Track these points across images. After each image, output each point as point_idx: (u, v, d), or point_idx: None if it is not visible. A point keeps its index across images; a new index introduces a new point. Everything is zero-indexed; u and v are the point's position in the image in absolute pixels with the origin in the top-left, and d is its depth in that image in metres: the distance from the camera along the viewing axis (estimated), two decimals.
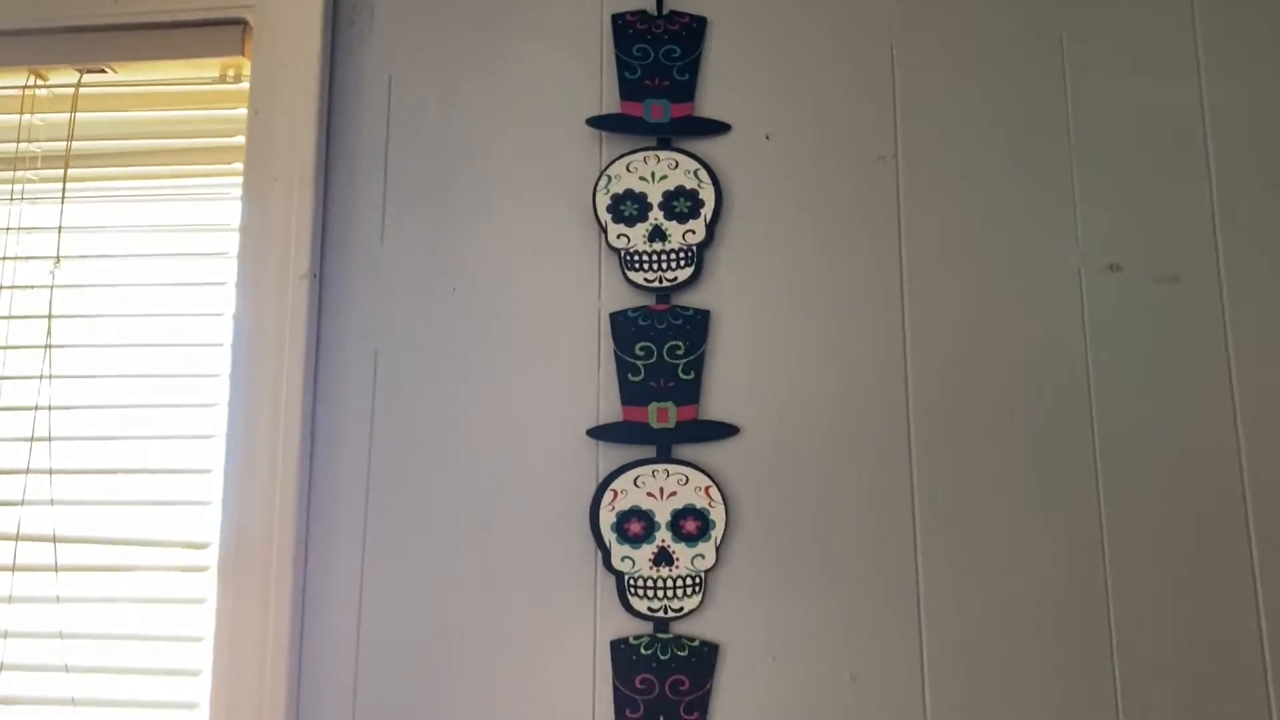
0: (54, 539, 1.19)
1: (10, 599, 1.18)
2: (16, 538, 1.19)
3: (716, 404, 1.13)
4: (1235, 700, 1.03)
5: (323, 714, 1.11)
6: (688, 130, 1.18)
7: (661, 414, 1.13)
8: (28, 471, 1.20)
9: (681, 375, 1.13)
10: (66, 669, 1.16)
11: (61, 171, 1.26)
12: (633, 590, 1.09)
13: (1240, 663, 1.04)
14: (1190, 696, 1.03)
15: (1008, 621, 1.06)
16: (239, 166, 1.22)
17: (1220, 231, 1.12)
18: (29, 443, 1.20)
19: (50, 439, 1.20)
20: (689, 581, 1.09)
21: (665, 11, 1.22)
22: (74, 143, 1.26)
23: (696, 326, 1.14)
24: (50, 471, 1.20)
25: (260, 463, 1.14)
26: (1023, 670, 1.05)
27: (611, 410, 1.14)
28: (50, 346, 1.22)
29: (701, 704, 1.07)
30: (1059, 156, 1.15)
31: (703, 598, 1.09)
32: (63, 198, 1.26)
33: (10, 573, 1.19)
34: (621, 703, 1.08)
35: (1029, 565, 1.07)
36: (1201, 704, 1.03)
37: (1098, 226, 1.13)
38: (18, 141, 1.27)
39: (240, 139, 1.22)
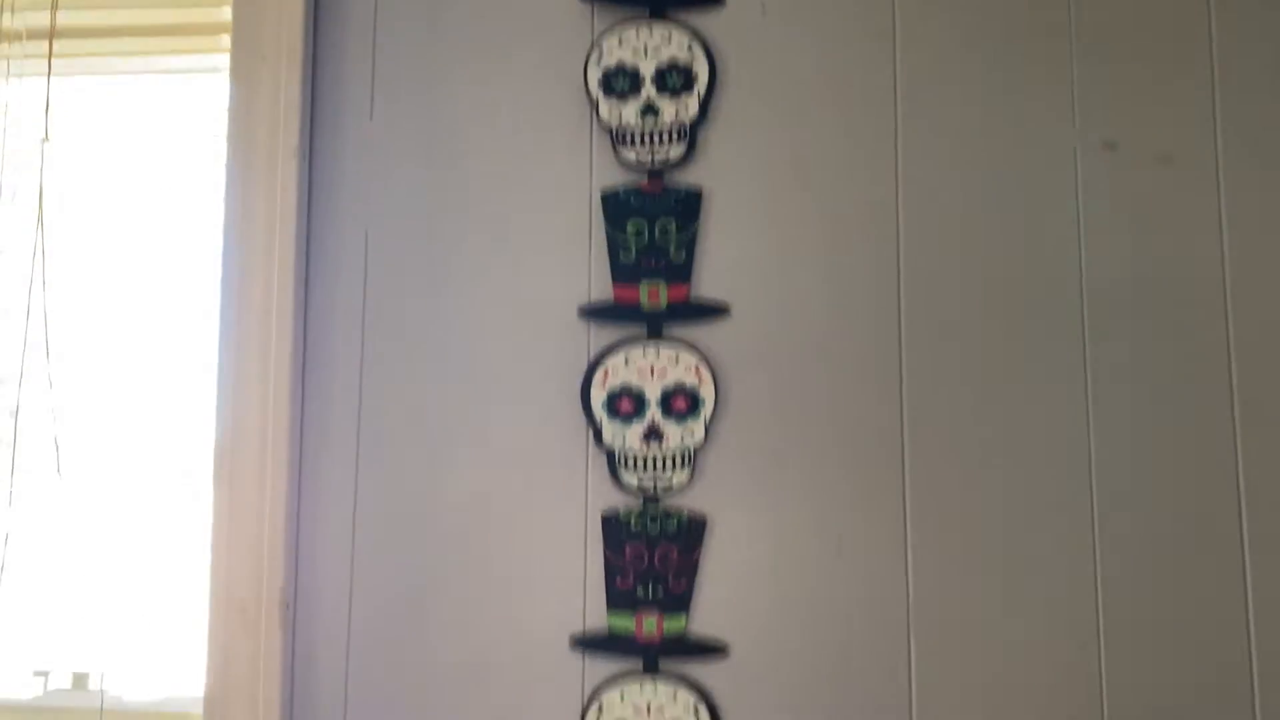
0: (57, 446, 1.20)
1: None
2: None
3: (708, 284, 1.13)
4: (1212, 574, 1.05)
5: (320, 583, 1.14)
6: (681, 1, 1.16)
7: (653, 293, 1.13)
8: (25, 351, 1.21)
9: (673, 255, 1.13)
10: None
11: (47, 45, 1.24)
12: (623, 465, 1.11)
13: (1219, 537, 1.05)
14: (1169, 567, 1.05)
15: (991, 493, 1.08)
16: (227, 41, 1.20)
17: (1220, 115, 1.10)
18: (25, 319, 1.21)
19: (45, 318, 1.21)
20: (678, 458, 1.10)
21: None
22: (60, 13, 1.24)
23: (688, 206, 1.13)
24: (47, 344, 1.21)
25: (253, 342, 1.14)
26: (1004, 536, 1.07)
27: (603, 289, 1.14)
28: (41, 223, 1.22)
29: (690, 572, 1.09)
30: (1058, 31, 1.12)
31: (692, 473, 1.10)
32: (49, 73, 1.24)
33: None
34: (612, 572, 1.10)
35: (1015, 439, 1.08)
36: (1180, 583, 1.05)
37: (1095, 104, 1.11)
38: (2, 15, 1.25)
39: (228, 10, 1.20)
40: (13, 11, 1.25)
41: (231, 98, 1.17)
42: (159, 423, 1.21)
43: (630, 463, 1.10)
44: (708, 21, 1.15)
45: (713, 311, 1.12)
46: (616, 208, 1.13)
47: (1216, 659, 1.03)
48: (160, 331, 1.22)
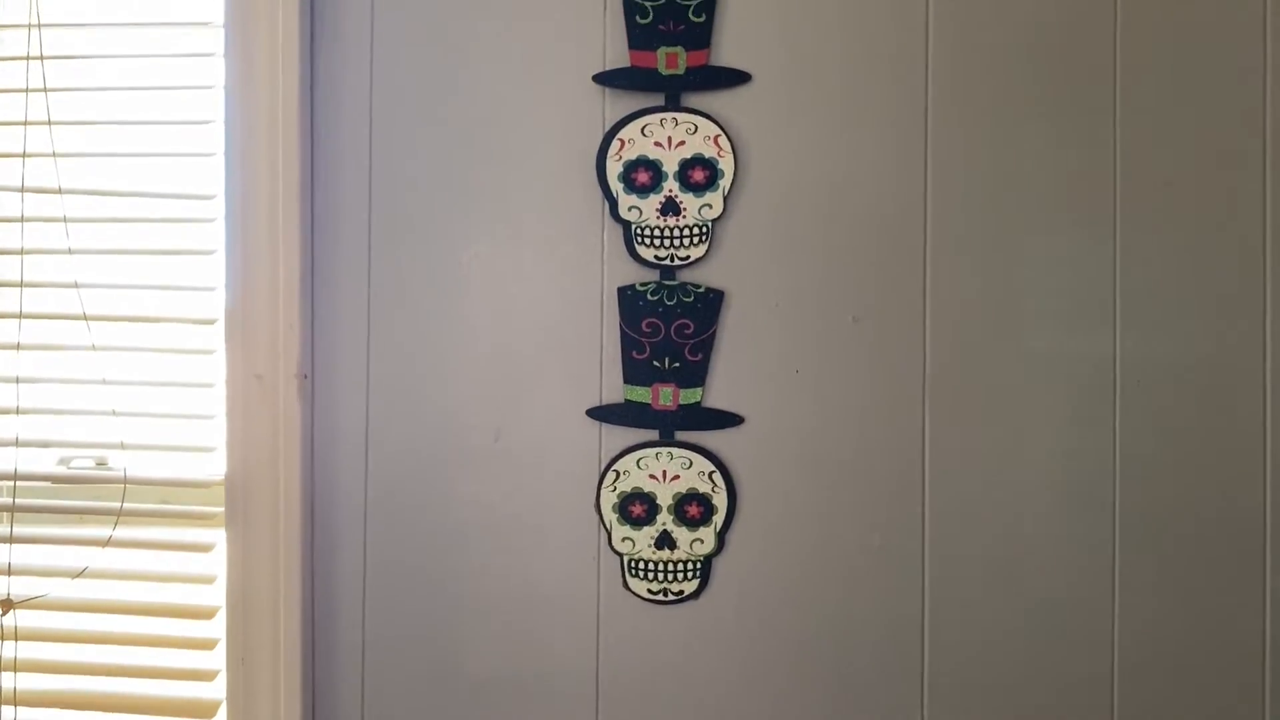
0: (60, 190, 1.18)
1: (22, 250, 1.18)
2: (23, 189, 1.18)
3: (728, 50, 1.09)
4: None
5: (337, 355, 1.14)
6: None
7: (671, 59, 1.09)
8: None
9: (692, 17, 1.08)
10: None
11: None
12: (639, 239, 1.09)
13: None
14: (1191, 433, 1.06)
15: (1010, 270, 1.07)
16: None
17: None
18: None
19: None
20: (696, 231, 1.09)
21: None
22: None
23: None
24: (50, 122, 1.17)
25: (261, 118, 1.11)
26: (1020, 317, 1.07)
27: (619, 56, 1.10)
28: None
29: (705, 346, 1.09)
30: None
31: (709, 247, 1.09)
32: None
33: (20, 224, 1.18)
34: (628, 345, 1.10)
35: (1039, 207, 1.06)
36: (1199, 450, 1.06)
37: None
38: None
39: None
40: None
41: None
42: (170, 203, 1.18)
43: (647, 236, 1.09)
44: None
45: (734, 78, 1.08)
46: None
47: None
48: (167, 113, 1.17)
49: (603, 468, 1.11)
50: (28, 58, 1.16)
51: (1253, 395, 1.05)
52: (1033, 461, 1.07)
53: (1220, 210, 1.05)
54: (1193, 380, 1.06)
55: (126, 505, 1.16)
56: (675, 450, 1.10)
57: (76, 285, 1.17)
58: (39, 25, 1.17)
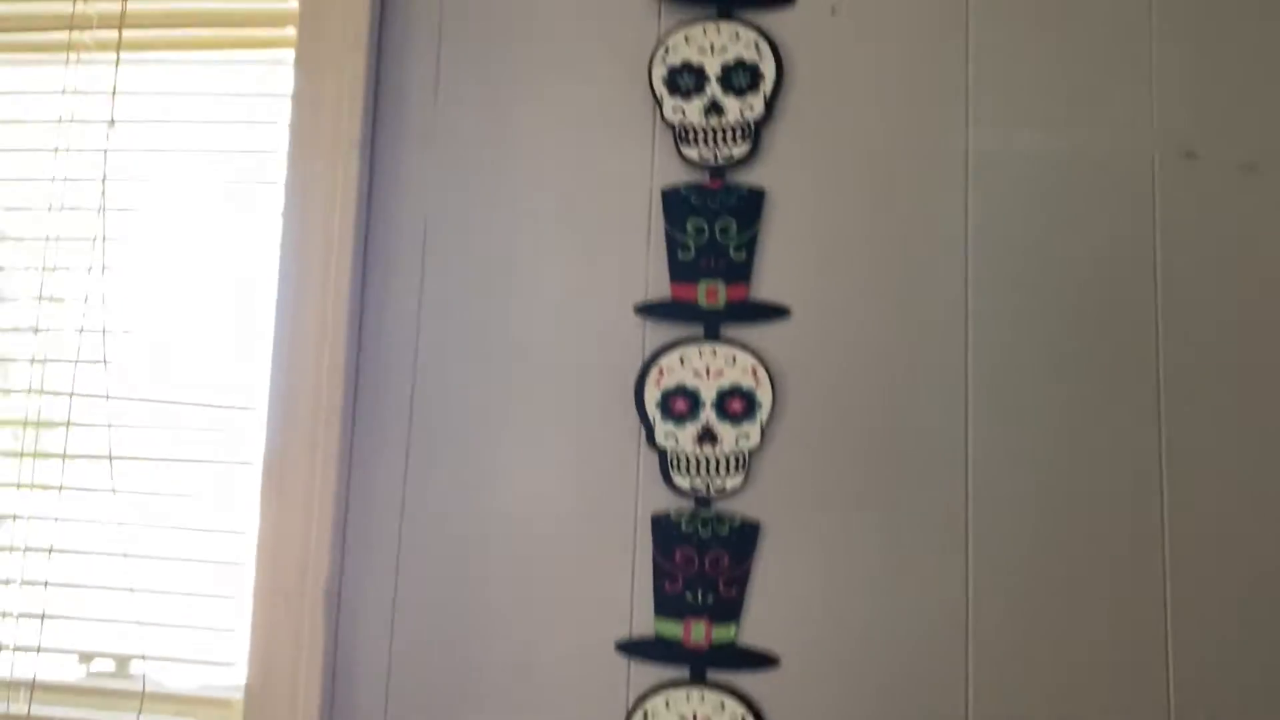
0: (106, 396, 1.21)
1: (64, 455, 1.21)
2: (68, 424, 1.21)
3: (767, 285, 1.11)
4: None
5: (365, 576, 1.13)
6: (750, 0, 1.14)
7: (711, 293, 1.11)
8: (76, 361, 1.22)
9: (733, 254, 1.11)
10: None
11: (117, 34, 1.25)
12: (675, 467, 1.08)
13: None
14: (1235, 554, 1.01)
15: (1057, 515, 1.04)
16: (293, 33, 1.20)
17: None
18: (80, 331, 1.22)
19: (103, 301, 1.22)
20: (734, 460, 1.08)
21: None
22: (129, 2, 1.25)
23: (750, 205, 1.11)
24: (104, 360, 1.22)
25: (309, 328, 1.14)
26: (1068, 565, 1.03)
27: (660, 288, 1.12)
28: (104, 209, 1.23)
29: (740, 581, 1.07)
30: (1138, 33, 1.10)
31: (746, 477, 1.08)
32: (117, 61, 1.25)
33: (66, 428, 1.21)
34: (661, 577, 1.08)
35: (1082, 464, 1.04)
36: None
37: (1174, 110, 1.08)
38: (74, 1, 1.27)
39: (295, 3, 1.20)
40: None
41: (296, 86, 1.17)
42: (213, 412, 1.21)
43: (683, 464, 1.08)
44: (776, 20, 1.14)
45: (772, 313, 1.10)
46: (677, 205, 1.12)
47: None
48: (218, 320, 1.22)
49: (630, 705, 1.06)
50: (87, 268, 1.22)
51: None
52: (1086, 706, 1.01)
53: None
54: None
55: (144, 717, 1.13)
56: (707, 692, 1.05)
57: (113, 490, 1.18)
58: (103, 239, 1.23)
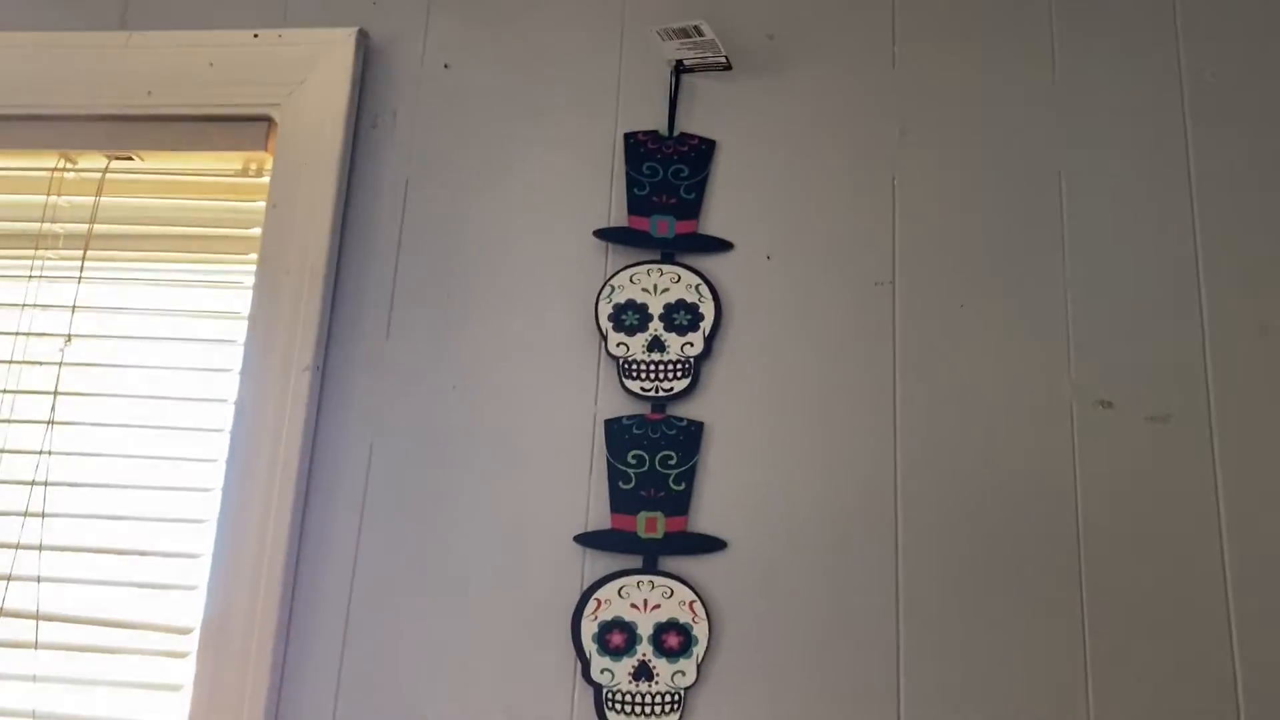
0: (37, 616, 1.19)
1: None
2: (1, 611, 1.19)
3: (706, 516, 1.14)
4: None
5: None
6: (691, 247, 1.21)
7: (650, 524, 1.13)
8: (17, 547, 1.21)
9: (672, 485, 1.14)
10: None
11: (81, 252, 1.29)
12: (611, 704, 1.08)
13: None
14: None
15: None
16: (254, 257, 1.25)
17: (1211, 373, 1.13)
18: (22, 517, 1.21)
19: (44, 515, 1.21)
20: (669, 698, 1.08)
21: (676, 133, 1.26)
22: (96, 225, 1.30)
23: (690, 437, 1.15)
24: (40, 548, 1.21)
25: (249, 547, 1.14)
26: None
27: (601, 517, 1.14)
28: (53, 423, 1.24)
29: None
30: (1053, 291, 1.17)
31: (681, 717, 1.08)
32: (80, 278, 1.29)
33: None
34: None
35: (1013, 690, 1.06)
36: None
37: (1090, 361, 1.15)
38: (42, 221, 1.31)
39: (257, 230, 1.26)
40: (54, 221, 1.31)
41: (253, 307, 1.21)
42: (150, 603, 1.19)
43: (619, 701, 1.08)
44: (715, 265, 1.21)
45: (710, 545, 1.12)
46: (619, 436, 1.16)
47: None
48: (162, 520, 1.21)
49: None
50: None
51: None
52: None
53: None
54: None
55: None
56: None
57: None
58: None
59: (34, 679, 1.17)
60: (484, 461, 1.18)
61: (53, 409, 1.25)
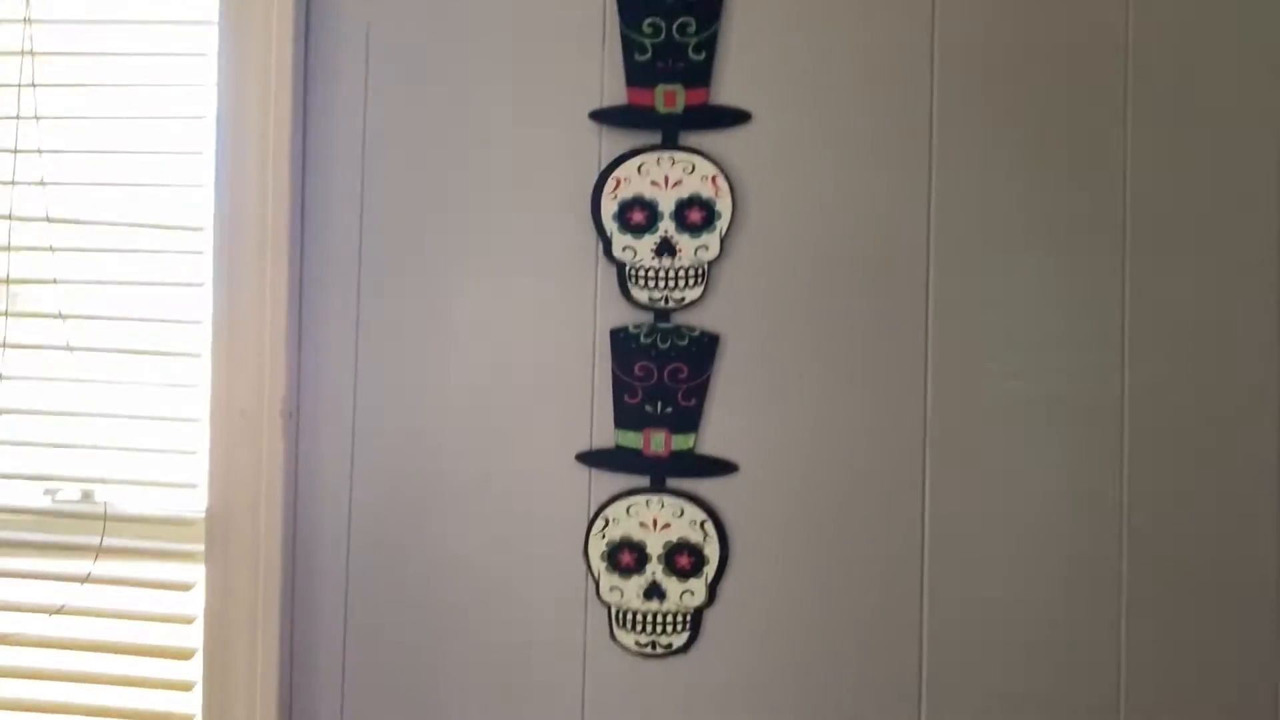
0: (47, 218, 1.16)
1: (8, 280, 1.17)
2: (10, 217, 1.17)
3: (728, 89, 1.07)
4: None
5: (324, 393, 1.12)
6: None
7: (669, 97, 1.07)
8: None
9: (691, 55, 1.06)
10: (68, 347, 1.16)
11: None
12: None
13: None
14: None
15: (1014, 315, 1.04)
16: None
17: None
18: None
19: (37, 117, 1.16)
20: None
21: None
22: None
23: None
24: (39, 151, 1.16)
25: (251, 142, 1.10)
26: (1026, 369, 1.04)
27: (616, 94, 1.08)
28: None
29: (699, 391, 1.06)
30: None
31: (705, 289, 1.06)
32: None
33: (6, 252, 1.17)
34: (620, 389, 1.07)
35: (1050, 254, 1.04)
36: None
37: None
38: None
39: None
40: None
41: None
42: (158, 232, 1.17)
43: (641, 278, 1.06)
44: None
45: (733, 118, 1.06)
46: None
47: None
48: (157, 142, 1.16)
49: (592, 513, 1.07)
50: (19, 84, 1.16)
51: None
52: (1036, 514, 1.03)
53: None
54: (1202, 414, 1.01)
55: (106, 541, 1.13)
56: (667, 498, 1.06)
57: (61, 315, 1.15)
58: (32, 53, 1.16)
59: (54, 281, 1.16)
60: (492, 35, 1.09)
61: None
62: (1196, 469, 1.02)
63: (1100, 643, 1.03)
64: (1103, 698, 1.03)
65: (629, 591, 1.06)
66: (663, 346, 1.06)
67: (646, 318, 1.06)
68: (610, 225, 1.06)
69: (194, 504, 1.13)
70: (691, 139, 1.05)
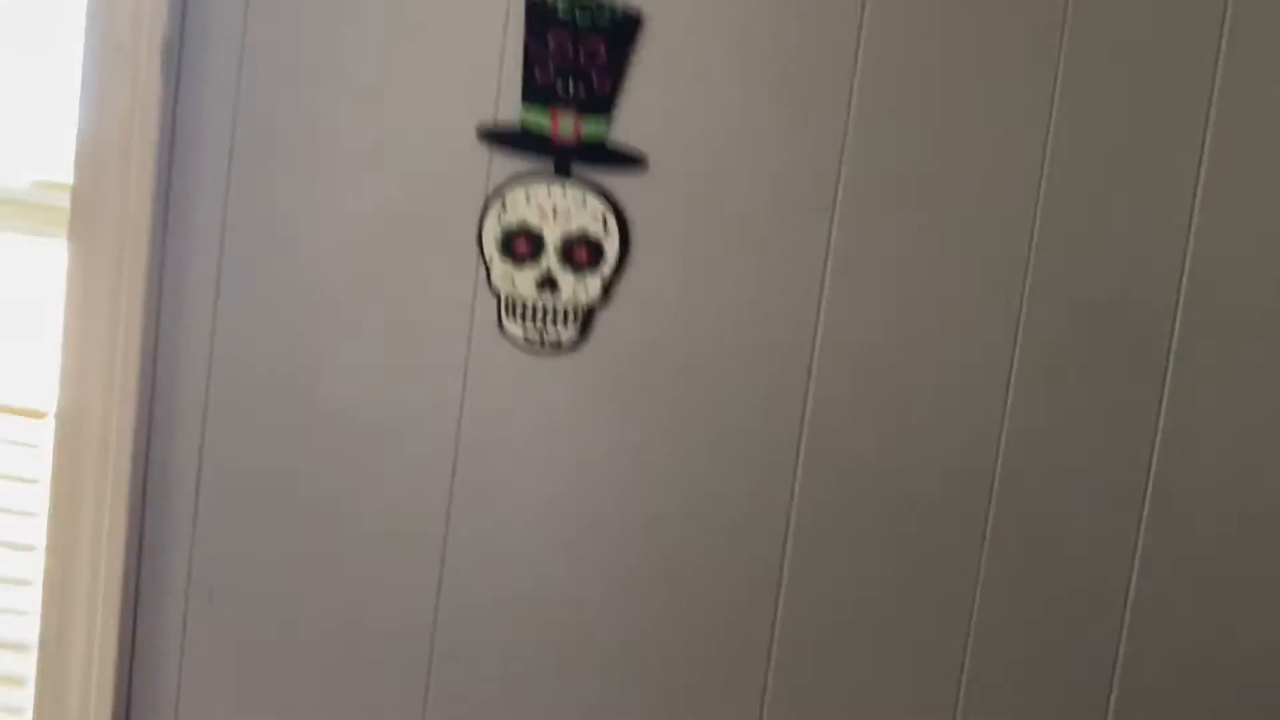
0: None
1: None
2: None
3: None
4: None
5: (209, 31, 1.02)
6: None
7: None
8: None
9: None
10: None
11: None
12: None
13: None
14: None
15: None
16: None
17: None
18: None
19: None
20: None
21: None
22: None
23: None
24: None
25: None
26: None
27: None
28: None
29: (616, 72, 1.00)
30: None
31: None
32: None
33: None
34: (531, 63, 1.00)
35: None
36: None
37: None
38: None
39: None
40: None
41: None
42: None
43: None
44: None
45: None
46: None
47: None
48: None
49: (488, 194, 1.02)
50: None
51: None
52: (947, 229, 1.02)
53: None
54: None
55: None
56: (570, 187, 1.01)
57: None
58: None
59: None
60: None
61: None
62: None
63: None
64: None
65: (521, 282, 1.02)
66: (581, 23, 0.98)
67: None
68: None
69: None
70: None
